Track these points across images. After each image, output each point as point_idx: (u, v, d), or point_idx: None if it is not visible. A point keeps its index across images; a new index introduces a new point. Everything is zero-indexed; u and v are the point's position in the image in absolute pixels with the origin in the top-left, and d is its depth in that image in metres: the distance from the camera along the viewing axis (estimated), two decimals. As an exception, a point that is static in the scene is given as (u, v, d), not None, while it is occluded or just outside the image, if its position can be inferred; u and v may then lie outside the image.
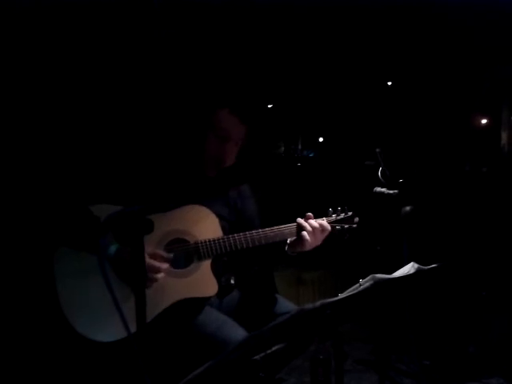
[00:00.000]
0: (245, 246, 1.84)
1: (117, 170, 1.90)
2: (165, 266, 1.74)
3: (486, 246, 3.23)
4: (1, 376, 2.23)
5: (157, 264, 1.71)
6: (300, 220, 1.90)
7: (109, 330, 1.61)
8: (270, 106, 4.25)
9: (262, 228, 1.88)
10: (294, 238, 1.89)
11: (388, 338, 2.86)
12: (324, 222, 1.92)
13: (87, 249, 1.67)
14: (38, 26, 2.46)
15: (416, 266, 1.55)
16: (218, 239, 1.83)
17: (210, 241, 1.82)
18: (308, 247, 1.88)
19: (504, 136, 4.07)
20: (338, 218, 1.99)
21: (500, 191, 3.40)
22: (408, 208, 2.09)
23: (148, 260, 1.69)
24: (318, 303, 1.29)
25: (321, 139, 4.64)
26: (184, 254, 1.83)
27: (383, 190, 2.13)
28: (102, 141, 2.58)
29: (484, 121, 4.10)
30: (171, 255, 1.81)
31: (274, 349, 1.38)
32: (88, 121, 2.62)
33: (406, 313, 2.23)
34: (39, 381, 2.24)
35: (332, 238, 1.97)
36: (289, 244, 1.93)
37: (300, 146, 4.62)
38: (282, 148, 4.56)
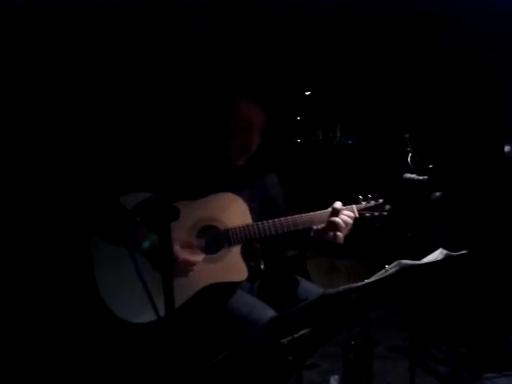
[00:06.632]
0: (273, 232, 1.88)
1: (146, 161, 1.95)
2: (199, 259, 1.79)
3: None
4: (35, 353, 2.35)
5: (191, 258, 1.76)
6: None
7: (143, 313, 1.68)
8: (307, 94, 4.23)
9: (288, 213, 1.91)
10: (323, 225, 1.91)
11: (423, 325, 2.83)
12: (352, 215, 1.92)
13: (120, 243, 1.72)
14: (46, 24, 2.50)
15: (444, 252, 1.54)
16: (248, 226, 1.87)
17: (239, 227, 1.87)
18: (332, 239, 1.89)
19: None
20: (368, 205, 1.99)
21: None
22: (438, 194, 2.06)
23: (184, 255, 1.73)
24: (341, 288, 1.31)
25: (359, 126, 4.59)
26: (215, 239, 1.88)
27: (413, 176, 2.10)
28: (131, 131, 2.64)
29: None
30: (203, 242, 1.86)
31: (300, 333, 1.41)
32: (115, 113, 2.68)
33: (440, 299, 2.20)
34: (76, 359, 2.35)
35: (362, 225, 1.96)
36: (314, 230, 1.95)
37: (338, 134, 4.57)
38: (320, 136, 4.53)
